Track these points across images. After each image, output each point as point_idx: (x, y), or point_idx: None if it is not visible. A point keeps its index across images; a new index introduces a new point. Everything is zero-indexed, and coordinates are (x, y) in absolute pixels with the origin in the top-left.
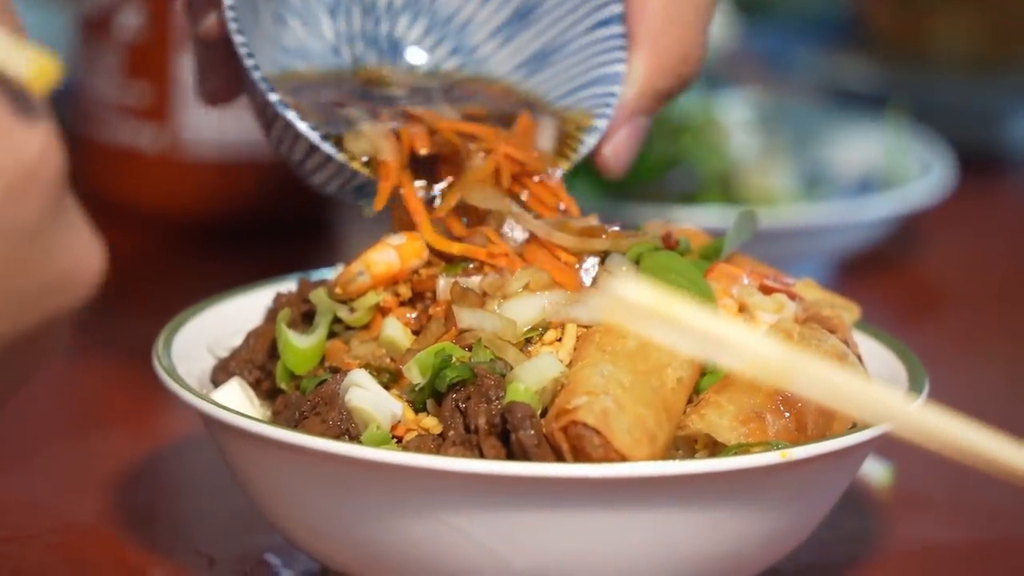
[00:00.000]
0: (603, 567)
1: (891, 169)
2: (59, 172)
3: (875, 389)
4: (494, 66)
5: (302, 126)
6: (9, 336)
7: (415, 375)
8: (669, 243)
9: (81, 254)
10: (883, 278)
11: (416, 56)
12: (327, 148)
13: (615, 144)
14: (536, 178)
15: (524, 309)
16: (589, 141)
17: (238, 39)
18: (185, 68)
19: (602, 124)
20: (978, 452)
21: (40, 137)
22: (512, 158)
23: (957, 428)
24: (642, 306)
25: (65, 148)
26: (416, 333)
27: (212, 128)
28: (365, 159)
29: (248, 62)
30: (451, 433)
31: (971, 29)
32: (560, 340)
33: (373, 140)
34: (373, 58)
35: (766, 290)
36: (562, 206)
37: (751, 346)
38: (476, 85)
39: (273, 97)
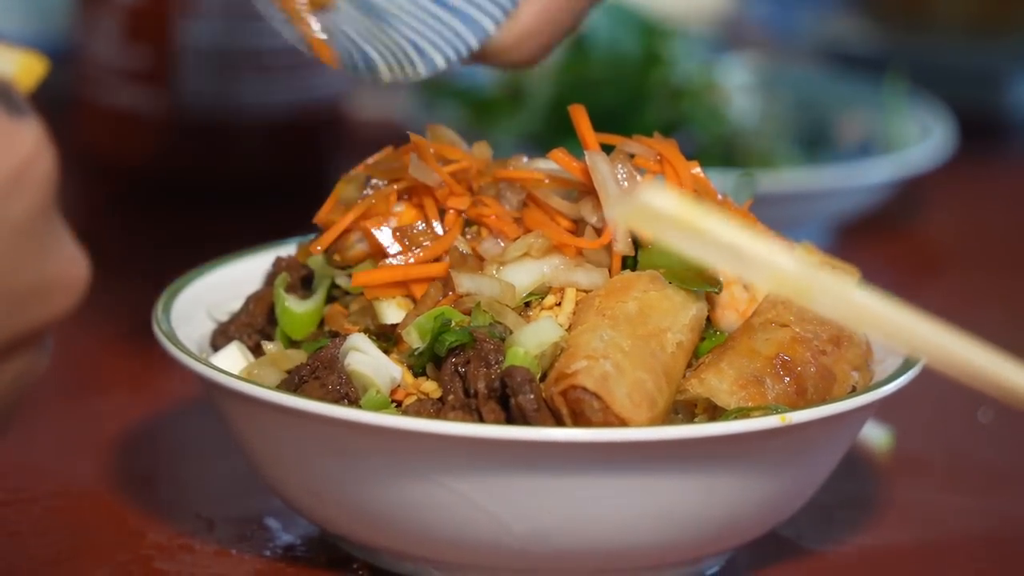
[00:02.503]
0: (602, 531)
1: (891, 133)
2: (50, 172)
3: (894, 310)
4: None
5: None
6: None
7: (414, 339)
8: None
9: (68, 263)
10: (882, 242)
11: None
12: None
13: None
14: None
15: (523, 273)
16: None
17: None
18: (184, 32)
19: None
20: (993, 376)
21: (32, 136)
22: None
23: (974, 352)
24: (667, 214)
25: (55, 152)
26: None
27: (211, 92)
28: None
29: None
30: (450, 397)
31: None
32: (559, 304)
33: None
34: None
35: None
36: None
37: (773, 260)
38: None
39: None
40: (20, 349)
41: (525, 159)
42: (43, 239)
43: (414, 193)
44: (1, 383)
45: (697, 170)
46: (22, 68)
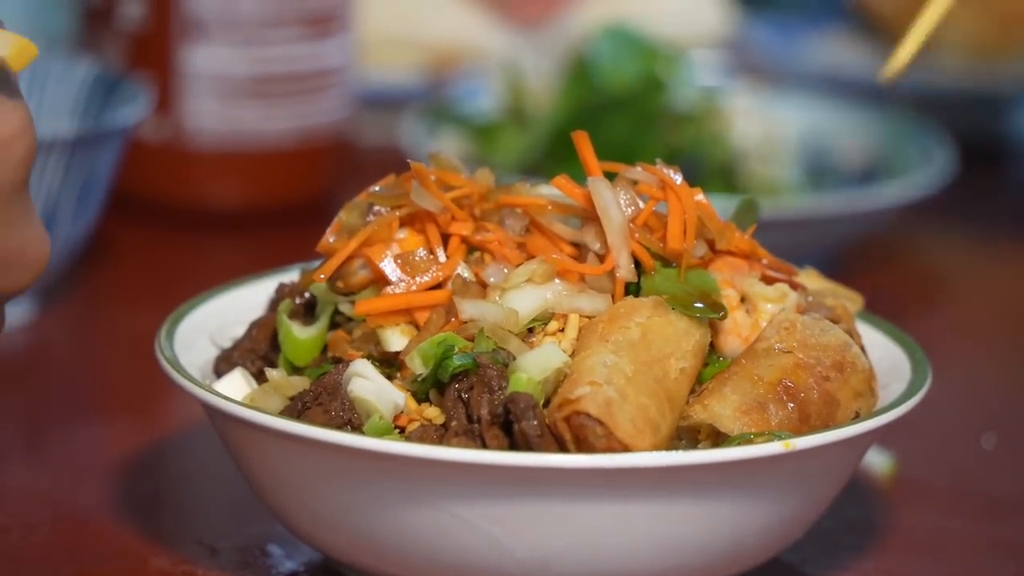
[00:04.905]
0: (606, 557)
1: (893, 158)
2: (29, 154)
3: None
4: None
5: None
6: None
7: (417, 365)
8: None
9: (35, 240)
10: (886, 267)
11: None
12: None
13: None
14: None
15: (526, 299)
16: None
17: None
18: (187, 58)
19: None
20: None
21: (18, 116)
22: None
23: None
24: None
25: (35, 137)
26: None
27: (214, 118)
28: None
29: None
30: (454, 423)
31: (974, 18)
32: (562, 330)
33: None
34: None
35: (768, 280)
36: None
37: None
38: None
39: None
40: None
41: (528, 185)
42: (12, 214)
43: (416, 220)
44: None
45: (700, 196)
46: (15, 50)
